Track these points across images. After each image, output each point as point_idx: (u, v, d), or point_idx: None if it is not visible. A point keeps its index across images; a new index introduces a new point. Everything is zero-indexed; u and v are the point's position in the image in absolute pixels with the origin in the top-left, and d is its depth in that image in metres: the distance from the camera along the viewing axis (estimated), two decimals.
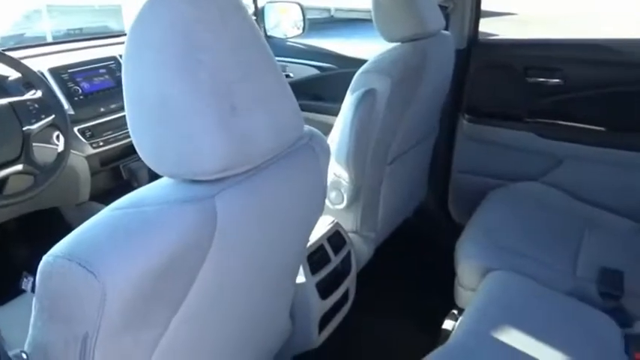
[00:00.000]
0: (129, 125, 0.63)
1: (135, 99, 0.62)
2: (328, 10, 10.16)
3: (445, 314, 1.39)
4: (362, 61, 1.44)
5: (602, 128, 1.69)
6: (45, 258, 0.58)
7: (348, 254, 1.42)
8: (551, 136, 1.73)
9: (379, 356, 1.55)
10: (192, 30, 0.59)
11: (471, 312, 1.18)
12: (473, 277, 1.36)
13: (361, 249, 1.51)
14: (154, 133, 0.61)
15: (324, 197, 0.90)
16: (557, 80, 1.74)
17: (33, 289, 0.62)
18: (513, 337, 1.08)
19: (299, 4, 2.06)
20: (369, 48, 2.05)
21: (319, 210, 0.90)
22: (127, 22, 2.38)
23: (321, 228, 1.37)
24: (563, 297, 1.22)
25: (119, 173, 1.67)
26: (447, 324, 1.35)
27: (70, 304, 0.58)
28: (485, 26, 1.86)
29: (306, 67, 2.10)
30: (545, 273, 1.30)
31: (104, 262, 0.55)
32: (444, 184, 2.00)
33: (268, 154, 0.68)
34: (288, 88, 0.73)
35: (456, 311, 1.38)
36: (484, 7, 1.84)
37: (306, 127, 0.81)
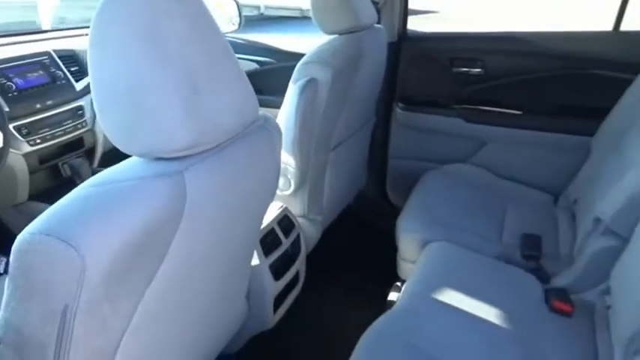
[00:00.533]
0: (96, 110, 0.66)
1: (103, 84, 0.65)
2: (258, 7, 10.17)
3: (390, 288, 1.50)
4: (300, 55, 1.51)
5: (518, 112, 1.88)
6: (20, 236, 0.60)
7: (298, 237, 1.49)
8: (476, 120, 1.90)
9: (330, 333, 1.63)
10: (155, 17, 0.63)
11: (413, 281, 1.29)
12: (413, 250, 1.48)
13: (309, 232, 1.58)
14: (123, 115, 0.65)
15: (278, 176, 0.96)
16: (478, 70, 1.91)
17: (6, 270, 0.63)
18: (451, 298, 1.20)
19: (234, 0, 2.09)
20: (301, 43, 2.12)
21: (274, 188, 0.96)
22: (44, 18, 2.29)
23: (271, 213, 1.43)
24: (492, 261, 1.37)
25: (58, 171, 1.63)
26: (392, 295, 1.45)
27: (48, 279, 0.60)
28: (411, 23, 1.99)
29: (245, 61, 2.14)
30: (476, 241, 1.44)
31: (83, 236, 0.58)
32: (382, 169, 2.12)
33: (229, 133, 0.74)
34: (244, 73, 0.78)
35: (399, 283, 1.49)
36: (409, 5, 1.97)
37: (260, 111, 0.87)
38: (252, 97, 0.79)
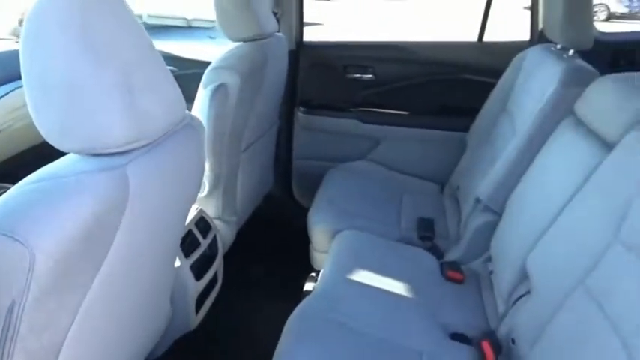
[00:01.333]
0: (30, 107, 0.67)
1: (37, 81, 0.66)
2: (140, 16, 9.79)
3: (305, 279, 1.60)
4: (202, 62, 1.55)
5: (406, 113, 2.10)
6: None
7: (215, 238, 1.53)
8: (370, 121, 2.09)
9: (252, 328, 1.69)
10: (87, 14, 0.66)
11: (327, 267, 1.41)
12: (324, 240, 1.60)
13: (225, 233, 1.62)
14: (59, 112, 0.67)
15: (203, 173, 1.01)
16: (370, 76, 2.11)
17: None
18: (363, 277, 1.33)
19: None
20: (188, 50, 2.13)
21: (199, 184, 1.01)
22: None
23: (189, 215, 1.45)
24: (394, 243, 1.54)
25: None
26: (308, 285, 1.55)
27: None
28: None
29: None
30: (379, 228, 1.60)
31: (29, 229, 0.59)
32: (288, 171, 2.23)
33: (163, 130, 0.78)
34: (171, 74, 0.83)
35: (314, 273, 1.60)
36: None
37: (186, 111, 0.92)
38: (180, 95, 0.84)
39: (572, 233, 1.04)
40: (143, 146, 0.74)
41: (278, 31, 1.88)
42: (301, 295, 1.53)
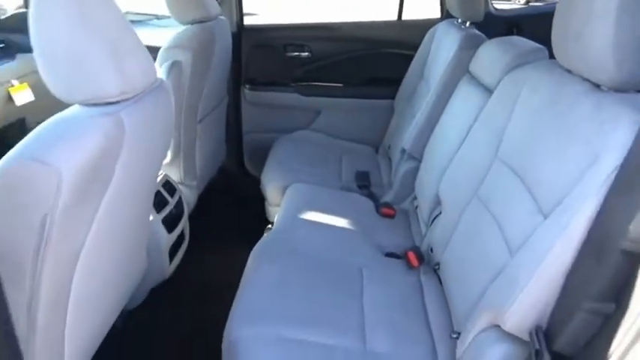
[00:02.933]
0: (40, 70, 0.86)
1: (46, 50, 0.85)
2: None
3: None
4: (151, 47, 1.72)
5: (340, 85, 2.37)
6: (2, 163, 0.78)
7: (180, 199, 1.73)
8: (309, 94, 2.34)
9: (218, 277, 1.88)
10: None
11: (280, 213, 1.65)
12: (276, 195, 1.84)
13: (188, 195, 1.83)
14: (65, 73, 0.86)
15: (172, 130, 1.22)
16: (306, 54, 2.36)
17: None
18: (312, 217, 1.58)
19: None
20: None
21: (170, 140, 1.22)
22: None
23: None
24: (336, 191, 1.81)
25: None
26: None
27: (27, 195, 0.79)
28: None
29: None
30: (323, 181, 1.87)
31: (56, 157, 0.79)
32: (239, 144, 2.44)
33: (143, 86, 0.99)
34: (144, 45, 1.04)
35: (270, 225, 1.83)
36: None
37: None
38: (152, 61, 1.05)
39: (467, 161, 1.34)
40: (130, 98, 0.94)
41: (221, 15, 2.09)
42: None
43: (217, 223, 2.14)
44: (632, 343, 0.69)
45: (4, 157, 0.79)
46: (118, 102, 0.92)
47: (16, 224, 0.80)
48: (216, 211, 2.18)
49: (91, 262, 0.95)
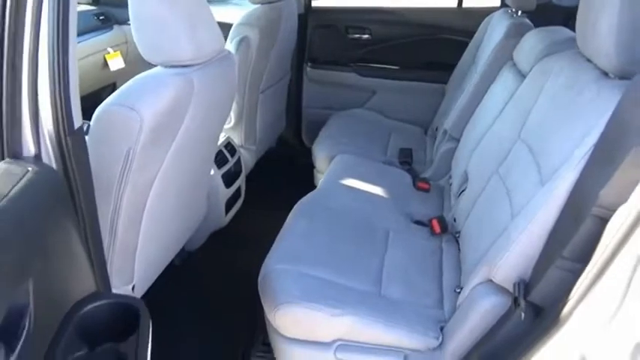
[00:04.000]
0: (134, 33, 1.10)
1: (139, 16, 1.09)
2: None
3: None
4: (224, 24, 1.94)
5: (397, 67, 2.50)
6: (99, 108, 1.03)
7: (239, 159, 1.97)
8: (367, 74, 2.50)
9: (267, 231, 2.11)
10: None
11: (325, 178, 1.83)
12: (324, 163, 2.03)
13: (247, 158, 2.07)
14: (151, 37, 1.10)
15: (235, 94, 1.44)
16: (367, 36, 2.50)
17: (87, 132, 1.06)
18: (350, 183, 1.75)
19: None
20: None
21: (232, 103, 1.44)
22: None
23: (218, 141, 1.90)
24: (378, 164, 1.96)
25: None
26: None
27: (117, 132, 1.04)
28: None
29: None
30: (367, 154, 2.03)
31: (139, 103, 1.03)
32: (298, 118, 2.65)
33: (211, 54, 1.21)
34: (214, 17, 1.25)
35: None
36: None
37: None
38: (220, 33, 1.26)
39: (494, 140, 1.45)
40: (200, 63, 1.17)
41: None
42: None
43: (271, 185, 2.36)
44: (580, 299, 0.80)
45: (102, 104, 1.04)
46: (190, 65, 1.14)
47: (108, 153, 1.05)
48: (271, 175, 2.41)
49: (161, 192, 1.19)
